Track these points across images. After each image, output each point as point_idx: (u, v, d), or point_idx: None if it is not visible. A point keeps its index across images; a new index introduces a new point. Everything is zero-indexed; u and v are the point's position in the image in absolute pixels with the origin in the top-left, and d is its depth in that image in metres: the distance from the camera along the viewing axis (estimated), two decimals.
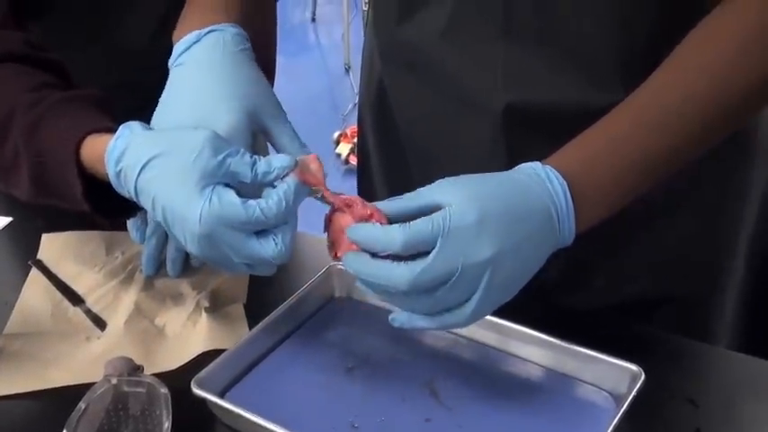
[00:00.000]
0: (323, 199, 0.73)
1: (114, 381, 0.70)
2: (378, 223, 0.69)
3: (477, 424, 0.74)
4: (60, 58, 0.91)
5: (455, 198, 0.68)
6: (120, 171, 0.74)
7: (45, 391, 0.79)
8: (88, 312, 0.88)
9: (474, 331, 0.81)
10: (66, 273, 0.93)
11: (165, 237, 0.93)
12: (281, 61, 1.33)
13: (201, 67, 0.80)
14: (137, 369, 0.71)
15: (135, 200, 0.75)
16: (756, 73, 0.73)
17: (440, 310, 0.69)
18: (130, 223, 0.93)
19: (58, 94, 0.83)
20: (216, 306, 0.88)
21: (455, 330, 0.82)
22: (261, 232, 0.72)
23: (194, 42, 0.81)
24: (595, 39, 0.80)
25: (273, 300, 0.85)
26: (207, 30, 0.82)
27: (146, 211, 0.93)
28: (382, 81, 1.00)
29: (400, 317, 0.71)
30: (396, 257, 0.68)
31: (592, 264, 0.93)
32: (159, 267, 0.93)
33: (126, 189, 0.75)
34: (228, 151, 0.72)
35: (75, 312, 0.88)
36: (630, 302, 0.93)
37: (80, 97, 0.84)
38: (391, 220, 0.69)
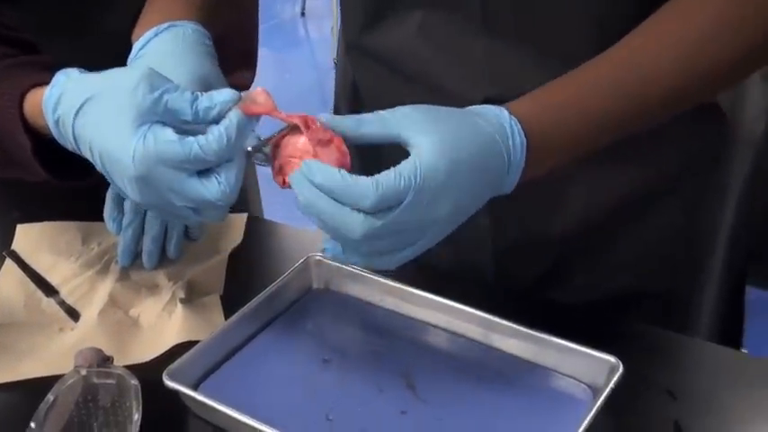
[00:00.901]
0: (268, 150, 0.68)
1: (84, 372, 0.69)
2: (343, 169, 0.64)
3: (453, 416, 0.73)
4: (33, 40, 0.89)
5: (424, 142, 0.65)
6: (59, 119, 0.71)
7: (16, 382, 0.78)
8: (62, 303, 0.87)
9: (452, 323, 0.80)
10: (41, 264, 0.92)
11: (141, 228, 0.92)
12: (270, 55, 1.32)
13: (159, 56, 0.77)
14: (107, 360, 0.70)
15: (78, 151, 0.71)
16: (728, 49, 0.73)
17: (375, 252, 0.67)
18: (107, 214, 0.92)
19: (9, 60, 0.81)
20: (192, 297, 0.86)
21: (434, 322, 0.81)
22: (203, 172, 0.68)
23: (153, 37, 0.79)
24: (573, 34, 0.79)
25: (251, 291, 0.83)
26: (166, 25, 0.79)
27: (122, 201, 0.93)
28: (355, 78, 0.98)
29: (334, 248, 0.68)
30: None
31: (572, 260, 0.92)
32: (135, 259, 0.92)
33: (67, 140, 0.72)
34: (166, 87, 0.68)
35: (49, 303, 0.87)
36: (610, 298, 0.92)
37: (31, 62, 0.81)
38: (351, 142, 0.66)
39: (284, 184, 0.68)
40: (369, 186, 0.63)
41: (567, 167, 0.75)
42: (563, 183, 0.86)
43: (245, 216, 0.98)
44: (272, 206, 1.24)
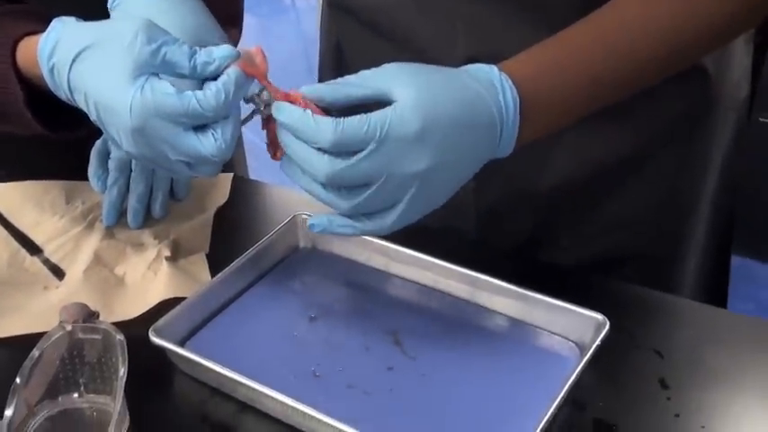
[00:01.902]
0: (261, 104, 0.68)
1: (69, 327, 0.69)
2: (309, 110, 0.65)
3: (440, 373, 0.73)
4: None
5: (401, 95, 0.65)
6: (53, 67, 0.70)
7: (0, 339, 0.77)
8: (46, 262, 0.86)
9: (439, 281, 0.80)
10: (24, 222, 0.91)
11: (126, 186, 0.91)
12: (256, 23, 1.30)
13: (142, 3, 0.75)
14: (92, 315, 0.69)
15: (72, 101, 0.71)
16: (715, 8, 0.73)
17: (361, 213, 0.67)
18: (91, 172, 0.92)
19: None
20: (177, 255, 0.86)
21: (421, 280, 0.81)
22: (200, 128, 0.67)
23: None
24: None
25: (237, 250, 0.83)
26: None
27: (106, 159, 0.92)
28: (339, 41, 0.97)
29: (319, 221, 0.69)
30: None
31: (556, 223, 0.92)
32: (120, 217, 0.91)
33: (61, 89, 0.71)
34: (164, 39, 0.67)
35: (33, 262, 0.86)
36: (595, 260, 0.92)
37: (23, 11, 0.80)
38: (333, 106, 0.66)
39: (275, 157, 0.69)
40: (329, 124, 0.64)
41: (558, 130, 0.75)
42: (547, 144, 0.86)
43: (230, 176, 0.98)
44: (257, 169, 1.23)
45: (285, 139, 0.67)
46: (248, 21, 1.22)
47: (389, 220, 0.67)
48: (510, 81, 0.69)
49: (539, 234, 0.93)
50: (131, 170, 0.91)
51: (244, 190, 0.98)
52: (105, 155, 0.92)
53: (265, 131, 0.69)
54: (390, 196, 0.66)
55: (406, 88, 0.65)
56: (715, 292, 1.01)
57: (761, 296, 1.80)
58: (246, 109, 0.70)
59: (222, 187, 0.96)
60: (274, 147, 0.69)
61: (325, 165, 0.65)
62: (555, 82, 0.72)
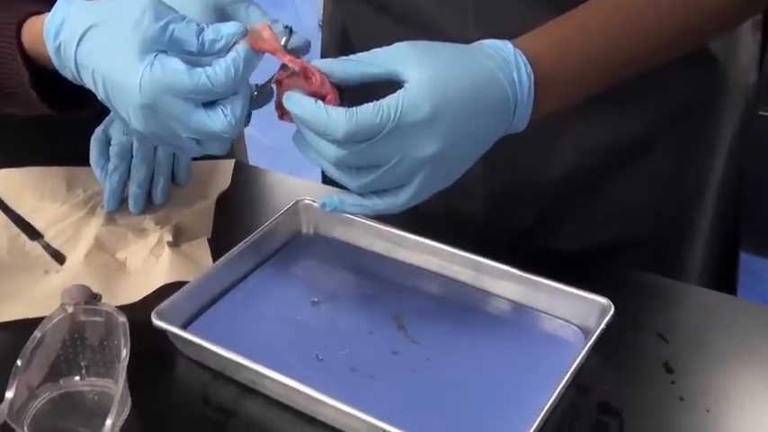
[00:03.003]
0: (279, 74, 0.68)
1: (71, 309, 0.68)
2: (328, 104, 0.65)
3: (444, 357, 0.72)
4: None
5: (413, 75, 0.64)
6: (60, 46, 0.70)
7: (1, 323, 0.77)
8: (47, 247, 0.86)
9: (443, 266, 0.80)
10: (24, 208, 0.91)
11: (127, 172, 0.91)
12: None
13: None
14: (94, 297, 0.69)
15: (78, 80, 0.70)
16: None
17: (372, 191, 0.67)
18: (93, 161, 0.91)
19: None
20: (179, 241, 0.86)
21: (425, 265, 0.81)
22: (209, 104, 0.67)
23: None
24: None
25: (239, 236, 0.82)
26: None
27: (107, 147, 0.91)
28: (346, 27, 0.97)
29: (330, 200, 0.69)
30: None
31: (564, 207, 0.92)
32: (121, 203, 0.91)
33: (67, 67, 0.70)
34: (172, 17, 0.67)
35: (33, 246, 0.86)
36: (601, 245, 0.92)
37: None
38: (344, 83, 0.66)
39: (282, 118, 0.68)
40: (341, 116, 0.63)
41: (569, 108, 0.74)
42: (555, 128, 0.86)
43: (232, 162, 0.97)
44: (257, 155, 1.22)
45: (297, 119, 0.67)
46: None
47: (401, 199, 0.67)
48: (524, 57, 0.68)
49: (546, 220, 0.93)
50: (132, 156, 0.91)
51: (246, 176, 0.97)
52: (106, 143, 0.92)
53: (275, 94, 0.69)
54: (401, 177, 0.66)
55: (417, 69, 0.64)
56: (723, 280, 1.00)
57: (764, 291, 1.80)
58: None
59: (224, 173, 0.96)
60: (281, 109, 0.68)
61: (334, 149, 0.65)
62: (569, 58, 0.71)
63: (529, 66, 0.68)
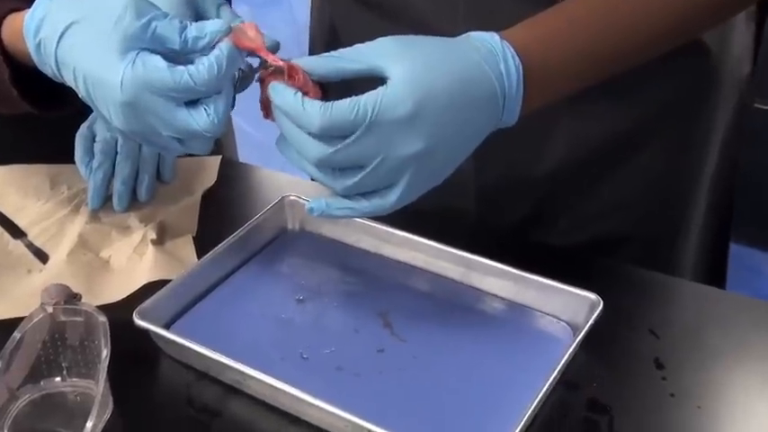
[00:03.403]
0: (262, 73, 0.67)
1: (50, 309, 0.67)
2: (299, 92, 0.64)
3: (431, 354, 0.71)
4: None
5: (394, 72, 0.63)
6: (40, 43, 0.69)
7: None
8: (30, 245, 0.85)
9: (430, 262, 0.79)
10: (7, 206, 0.89)
11: (111, 170, 0.90)
12: (248, 11, 1.28)
13: None
14: (74, 297, 0.68)
15: (59, 77, 0.69)
16: None
17: (358, 193, 0.66)
18: (78, 158, 0.90)
19: None
20: (164, 238, 0.84)
21: (411, 261, 0.80)
22: (192, 103, 0.66)
23: None
24: None
25: (224, 233, 0.81)
26: None
27: (92, 144, 0.90)
28: (333, 22, 0.96)
29: (317, 204, 0.68)
30: None
31: (556, 204, 0.91)
32: (105, 201, 0.89)
33: (48, 64, 0.69)
34: (154, 14, 0.66)
35: (16, 245, 0.85)
36: (594, 241, 0.91)
37: None
38: (325, 80, 0.65)
39: (267, 117, 0.68)
40: (316, 109, 0.62)
41: (559, 101, 0.73)
42: (547, 123, 0.85)
43: (218, 158, 0.96)
44: (249, 158, 1.21)
45: (279, 119, 0.66)
46: (241, 9, 1.20)
47: (389, 200, 0.66)
48: (512, 48, 0.67)
49: (538, 215, 0.92)
50: (117, 153, 0.90)
51: (232, 172, 0.96)
52: (90, 140, 0.91)
53: (260, 92, 0.68)
54: (386, 178, 0.65)
55: (399, 65, 0.63)
56: (714, 273, 0.99)
57: (758, 284, 1.79)
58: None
59: (210, 169, 0.94)
60: (266, 108, 0.67)
61: (314, 149, 0.63)
62: (557, 50, 0.70)
63: (517, 57, 0.67)
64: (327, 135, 0.63)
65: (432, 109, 0.63)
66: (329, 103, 0.62)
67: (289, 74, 0.65)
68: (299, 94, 0.64)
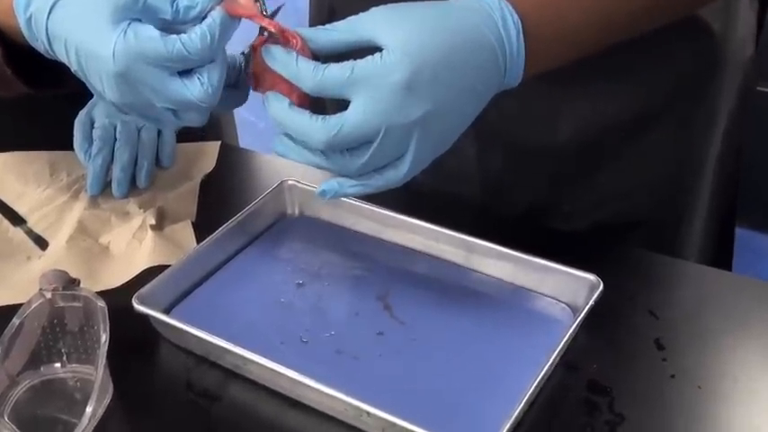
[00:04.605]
0: (254, 41, 0.66)
1: (48, 295, 0.67)
2: (295, 53, 0.63)
3: (431, 337, 0.71)
4: None
5: (388, 40, 0.62)
6: (31, 17, 0.68)
7: None
8: (29, 232, 0.85)
9: (429, 245, 0.79)
10: (7, 193, 0.89)
11: (110, 156, 0.90)
12: None
13: None
14: (72, 282, 0.68)
15: (51, 52, 0.69)
16: None
17: (370, 170, 0.65)
18: (77, 145, 0.90)
19: None
20: (163, 223, 0.84)
21: (410, 244, 0.79)
22: (185, 73, 0.65)
23: None
24: None
25: (224, 218, 0.81)
26: None
27: (90, 130, 0.90)
28: (333, 4, 0.95)
29: (329, 186, 0.67)
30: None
31: (561, 188, 0.90)
32: (104, 187, 0.89)
33: (39, 39, 0.69)
34: None
35: (16, 232, 0.85)
36: (599, 226, 0.91)
37: None
38: (319, 53, 0.64)
39: (256, 89, 0.67)
40: (309, 68, 0.62)
41: (567, 62, 0.72)
42: (551, 107, 0.84)
43: (218, 143, 0.96)
44: (252, 139, 1.21)
45: (277, 116, 0.65)
46: None
47: (402, 171, 0.65)
48: (510, 7, 0.66)
49: (542, 200, 0.91)
50: (116, 140, 0.90)
51: (231, 157, 0.96)
52: (89, 127, 0.90)
53: (249, 62, 0.67)
54: (395, 148, 0.64)
55: (393, 33, 0.62)
56: (720, 257, 0.99)
57: (762, 267, 1.78)
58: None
59: (209, 155, 0.94)
60: (258, 81, 0.66)
61: (319, 130, 0.63)
62: (559, 8, 0.69)
63: (515, 15, 0.65)
64: (319, 95, 0.62)
65: (428, 74, 0.62)
66: (322, 65, 0.62)
67: (284, 38, 0.64)
68: (294, 52, 0.63)
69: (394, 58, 0.61)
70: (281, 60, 0.64)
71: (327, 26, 0.65)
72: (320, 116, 0.63)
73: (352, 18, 0.65)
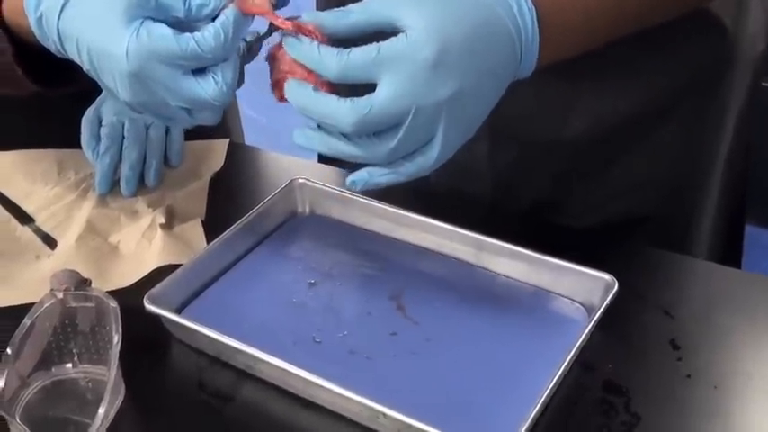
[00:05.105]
0: (271, 50, 0.66)
1: (60, 295, 0.66)
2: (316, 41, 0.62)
3: (445, 337, 0.71)
4: None
5: (411, 21, 0.61)
6: (41, 16, 0.67)
7: None
8: (38, 231, 0.84)
9: (442, 244, 0.78)
10: (15, 192, 0.89)
11: (119, 154, 0.89)
12: None
13: None
14: (84, 282, 0.67)
15: (62, 51, 0.68)
16: None
17: (398, 158, 0.64)
18: (84, 143, 0.89)
19: None
20: (172, 222, 0.84)
21: (423, 244, 0.79)
22: (199, 71, 0.65)
23: None
24: None
25: (233, 217, 0.81)
26: None
27: (98, 129, 0.89)
28: None
29: (359, 176, 0.66)
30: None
31: (571, 185, 0.90)
32: (113, 186, 0.89)
33: (50, 39, 0.68)
34: None
35: (24, 231, 0.84)
36: (609, 223, 0.90)
37: None
38: (335, 37, 0.63)
39: (281, 100, 0.66)
40: (333, 54, 0.61)
41: (580, 52, 0.71)
42: (562, 104, 0.84)
43: (226, 141, 0.95)
44: (256, 136, 1.20)
45: (301, 102, 0.64)
46: None
47: (432, 156, 0.64)
48: None
49: (553, 198, 0.90)
50: (124, 138, 0.89)
51: (240, 156, 0.95)
52: (97, 125, 0.90)
53: (269, 72, 0.66)
54: (424, 131, 0.63)
55: (415, 14, 0.61)
56: (729, 254, 0.99)
57: None
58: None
59: (218, 153, 0.94)
60: (280, 90, 0.65)
61: (348, 112, 0.61)
62: None
63: (530, 1, 0.65)
64: (346, 81, 0.61)
65: (454, 53, 0.61)
66: (345, 50, 0.61)
67: (299, 33, 0.63)
68: (315, 42, 0.62)
69: (420, 36, 0.60)
70: (302, 51, 0.63)
71: (342, 9, 0.64)
72: (348, 98, 0.62)
73: (367, 0, 0.64)
